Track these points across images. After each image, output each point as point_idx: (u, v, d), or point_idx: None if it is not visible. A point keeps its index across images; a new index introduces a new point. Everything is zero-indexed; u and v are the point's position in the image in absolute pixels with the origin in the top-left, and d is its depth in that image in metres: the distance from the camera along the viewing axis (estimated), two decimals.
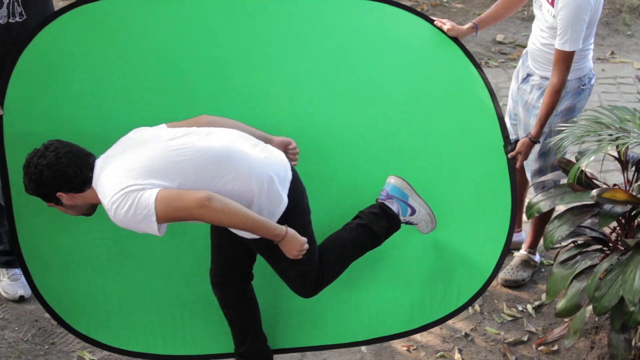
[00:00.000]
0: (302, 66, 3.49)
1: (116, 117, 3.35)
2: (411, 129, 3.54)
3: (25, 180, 2.98)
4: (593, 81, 3.76)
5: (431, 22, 3.57)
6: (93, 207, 3.08)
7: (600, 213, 3.30)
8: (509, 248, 3.60)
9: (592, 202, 3.38)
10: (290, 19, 3.49)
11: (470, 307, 3.94)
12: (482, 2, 6.54)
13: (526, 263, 4.12)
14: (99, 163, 2.98)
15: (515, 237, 4.19)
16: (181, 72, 3.41)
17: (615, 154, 3.48)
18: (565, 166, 3.46)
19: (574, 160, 3.47)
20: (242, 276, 3.34)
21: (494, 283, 4.08)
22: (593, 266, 3.32)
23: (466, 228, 3.56)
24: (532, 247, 4.14)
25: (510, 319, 3.94)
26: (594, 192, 3.21)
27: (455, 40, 3.57)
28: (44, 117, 3.33)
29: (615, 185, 3.37)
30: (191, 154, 2.94)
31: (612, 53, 6.01)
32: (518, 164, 3.59)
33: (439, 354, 3.77)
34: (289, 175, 3.10)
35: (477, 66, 3.57)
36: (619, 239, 3.44)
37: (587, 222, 3.46)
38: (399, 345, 3.80)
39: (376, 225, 3.32)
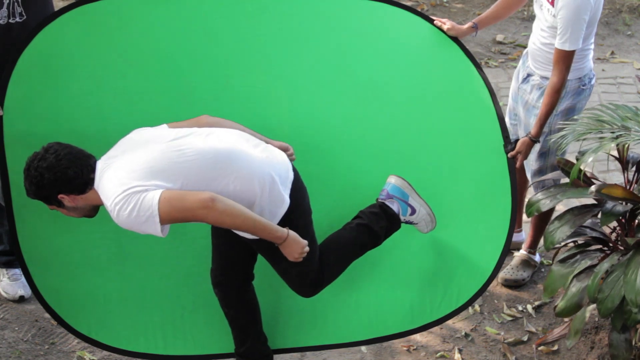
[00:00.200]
0: (302, 66, 3.49)
1: (116, 117, 3.34)
2: (411, 128, 3.54)
3: (26, 184, 2.98)
4: (593, 81, 3.76)
5: (431, 21, 3.57)
6: (95, 209, 3.07)
7: (602, 211, 3.30)
8: (509, 248, 3.60)
9: (593, 202, 3.38)
10: (290, 19, 3.49)
11: (470, 307, 3.94)
12: (482, 2, 6.54)
13: (526, 263, 4.13)
14: (100, 164, 2.97)
15: (515, 237, 4.19)
16: (181, 72, 3.41)
17: (616, 154, 3.48)
18: (564, 166, 3.46)
19: (573, 160, 3.47)
20: (243, 276, 3.34)
21: (494, 283, 4.08)
22: (593, 266, 3.32)
23: (466, 228, 3.56)
24: (532, 247, 4.14)
25: (510, 319, 3.94)
26: (593, 187, 3.22)
27: (455, 39, 3.57)
28: (44, 117, 3.33)
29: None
30: (193, 154, 2.94)
31: (612, 53, 6.01)
32: (518, 164, 3.59)
33: (439, 354, 3.77)
34: (291, 176, 3.10)
35: (477, 66, 3.57)
36: (619, 238, 3.44)
37: (588, 222, 3.46)
38: (399, 345, 3.80)
39: (376, 225, 3.32)
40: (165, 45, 3.40)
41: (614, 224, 3.49)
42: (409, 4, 5.85)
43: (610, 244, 3.44)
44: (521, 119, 3.85)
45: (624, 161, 3.47)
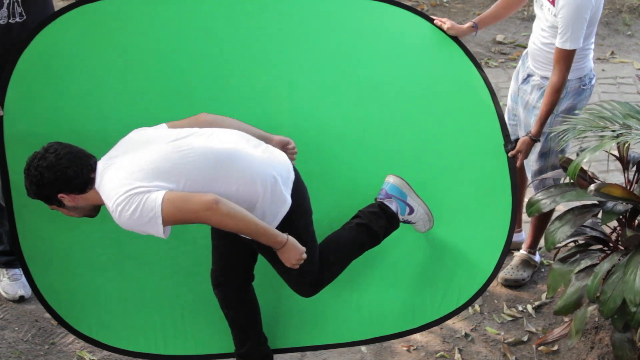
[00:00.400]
0: (302, 66, 3.49)
1: (116, 117, 3.34)
2: (411, 128, 3.54)
3: (26, 184, 2.97)
4: (594, 81, 3.76)
5: (431, 21, 3.57)
6: (96, 209, 3.07)
7: (603, 210, 3.30)
8: (509, 248, 3.60)
9: (593, 202, 3.38)
10: (290, 19, 3.49)
11: (470, 307, 3.94)
12: (482, 2, 6.54)
13: (526, 263, 4.13)
14: (101, 164, 2.97)
15: (516, 237, 4.19)
16: (181, 72, 3.41)
17: (617, 153, 3.48)
18: (567, 165, 3.46)
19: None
20: (243, 277, 3.34)
21: (494, 283, 4.08)
22: (593, 265, 3.32)
23: (466, 228, 3.56)
24: (532, 247, 4.14)
25: (510, 319, 3.94)
26: (592, 186, 3.22)
27: (455, 39, 3.57)
28: (44, 117, 3.33)
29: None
30: (195, 155, 2.93)
31: (612, 53, 6.01)
32: (518, 163, 3.59)
33: (439, 354, 3.77)
34: (292, 176, 3.10)
35: (477, 65, 3.57)
36: (619, 238, 3.44)
37: (588, 222, 3.46)
38: (399, 345, 3.80)
39: (376, 224, 3.32)
40: (165, 45, 3.40)
41: (614, 223, 3.49)
42: (409, 3, 5.85)
43: (611, 244, 3.44)
44: (521, 120, 3.84)
45: (624, 161, 3.47)
